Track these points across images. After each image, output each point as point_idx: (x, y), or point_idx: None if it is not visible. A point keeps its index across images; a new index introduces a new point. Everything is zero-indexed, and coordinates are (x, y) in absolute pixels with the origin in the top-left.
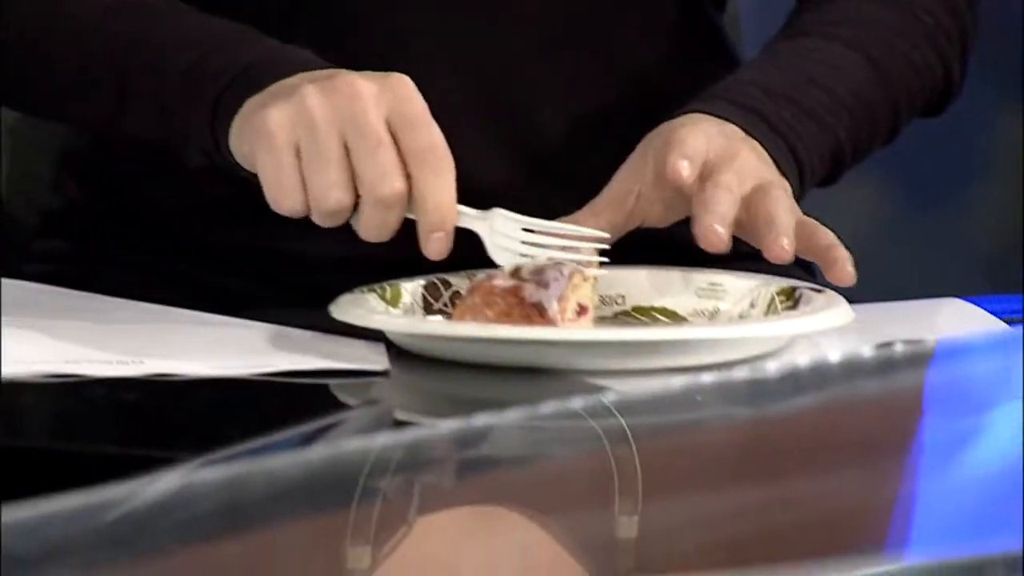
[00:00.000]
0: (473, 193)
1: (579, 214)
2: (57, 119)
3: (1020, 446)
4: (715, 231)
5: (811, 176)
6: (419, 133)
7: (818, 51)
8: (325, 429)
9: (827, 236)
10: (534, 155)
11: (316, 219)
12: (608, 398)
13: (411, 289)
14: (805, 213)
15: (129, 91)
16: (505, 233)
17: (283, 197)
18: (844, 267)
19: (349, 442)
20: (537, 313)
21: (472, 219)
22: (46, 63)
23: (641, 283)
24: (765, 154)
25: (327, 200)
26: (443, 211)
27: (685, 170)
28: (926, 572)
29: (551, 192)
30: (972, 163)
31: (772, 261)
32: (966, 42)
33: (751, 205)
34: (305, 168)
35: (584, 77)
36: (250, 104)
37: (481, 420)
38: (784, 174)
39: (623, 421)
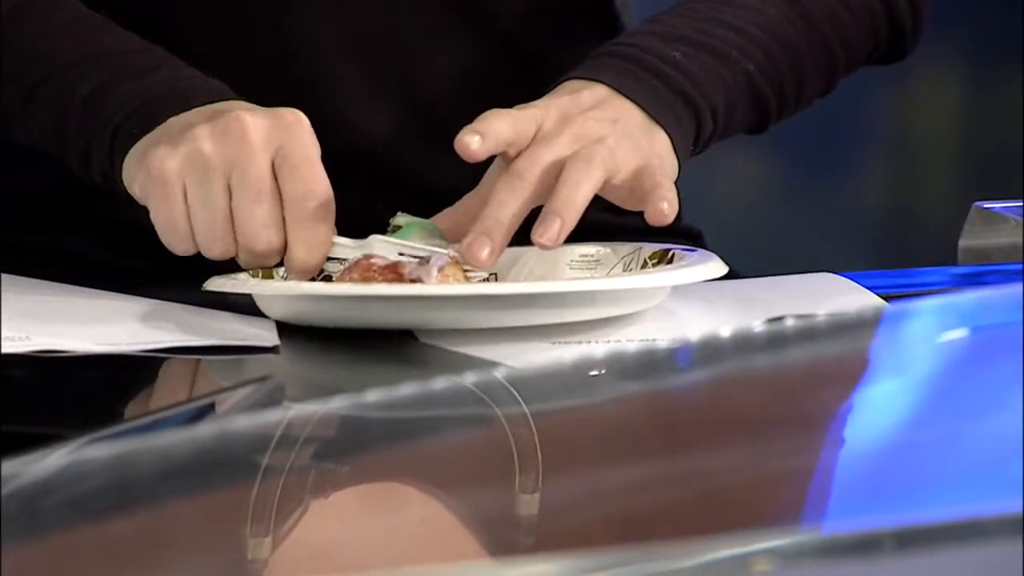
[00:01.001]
0: (356, 144)
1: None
2: None
3: (901, 421)
4: (478, 241)
5: (713, 114)
6: (300, 179)
7: None
8: (213, 407)
9: (657, 178)
10: (417, 110)
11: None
12: (504, 374)
13: (282, 273)
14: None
15: (31, 105)
16: (384, 257)
17: (176, 242)
18: (659, 204)
19: (238, 419)
20: None
21: (351, 249)
22: None
23: (512, 261)
24: (630, 111)
25: (211, 250)
26: (306, 267)
27: (473, 144)
28: (818, 546)
29: (433, 146)
30: (861, 137)
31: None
32: None
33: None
34: (191, 214)
35: (464, 41)
36: (143, 143)
37: (374, 396)
38: (661, 122)
39: (521, 398)
